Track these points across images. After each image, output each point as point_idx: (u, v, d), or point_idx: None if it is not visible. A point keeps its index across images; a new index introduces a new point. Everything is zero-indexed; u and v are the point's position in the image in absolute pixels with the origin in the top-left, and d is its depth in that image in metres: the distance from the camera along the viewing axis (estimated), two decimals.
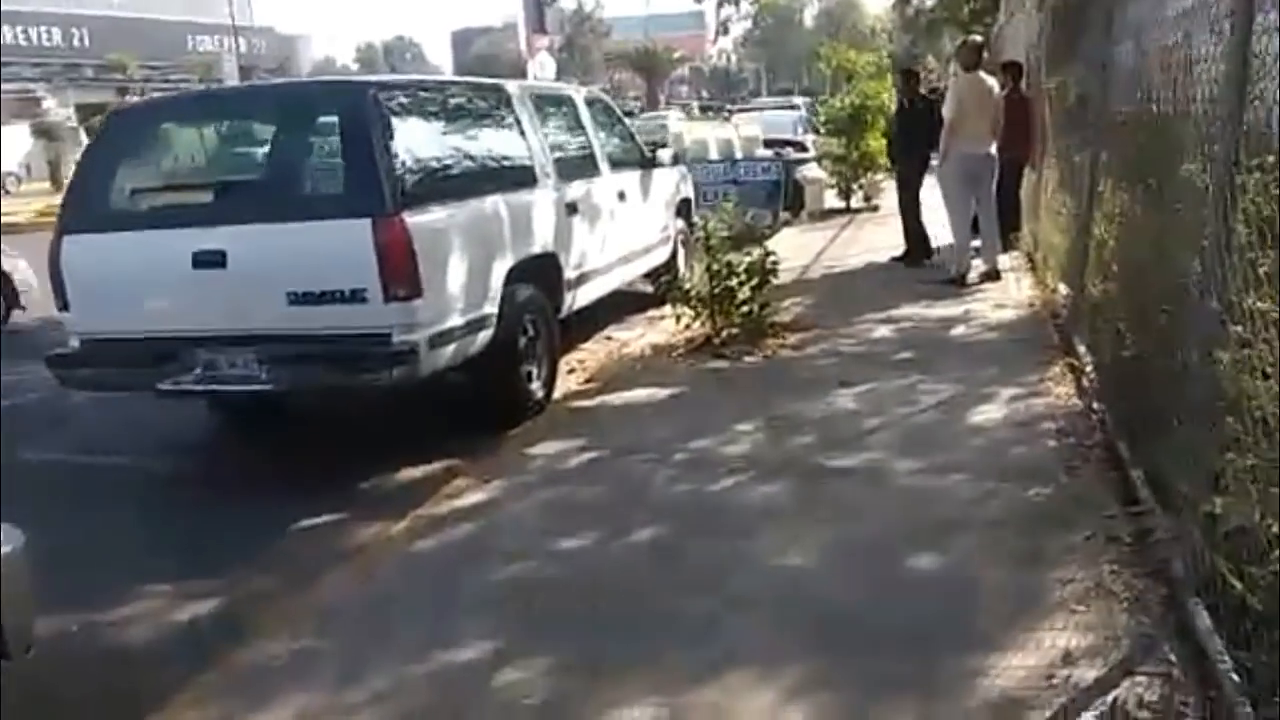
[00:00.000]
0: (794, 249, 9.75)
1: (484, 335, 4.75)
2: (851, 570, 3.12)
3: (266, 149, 4.73)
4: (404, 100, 4.57)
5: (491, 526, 3.66)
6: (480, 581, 3.23)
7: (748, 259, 6.15)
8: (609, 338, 6.96)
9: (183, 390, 4.41)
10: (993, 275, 7.51)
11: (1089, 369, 4.72)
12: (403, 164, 4.31)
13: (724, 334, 6.10)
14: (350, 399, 5.30)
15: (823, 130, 13.38)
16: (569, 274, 5.73)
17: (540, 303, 5.30)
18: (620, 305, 7.30)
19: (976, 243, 7.67)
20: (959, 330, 6.08)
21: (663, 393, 5.19)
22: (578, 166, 6.19)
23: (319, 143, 4.41)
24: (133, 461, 4.93)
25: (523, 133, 5.52)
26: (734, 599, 2.98)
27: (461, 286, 4.52)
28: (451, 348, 4.45)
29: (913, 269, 8.20)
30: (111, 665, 3.11)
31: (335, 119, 4.28)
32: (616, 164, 6.78)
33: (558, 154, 5.90)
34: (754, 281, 6.07)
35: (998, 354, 5.47)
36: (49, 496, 4.10)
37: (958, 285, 7.34)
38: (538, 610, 3.01)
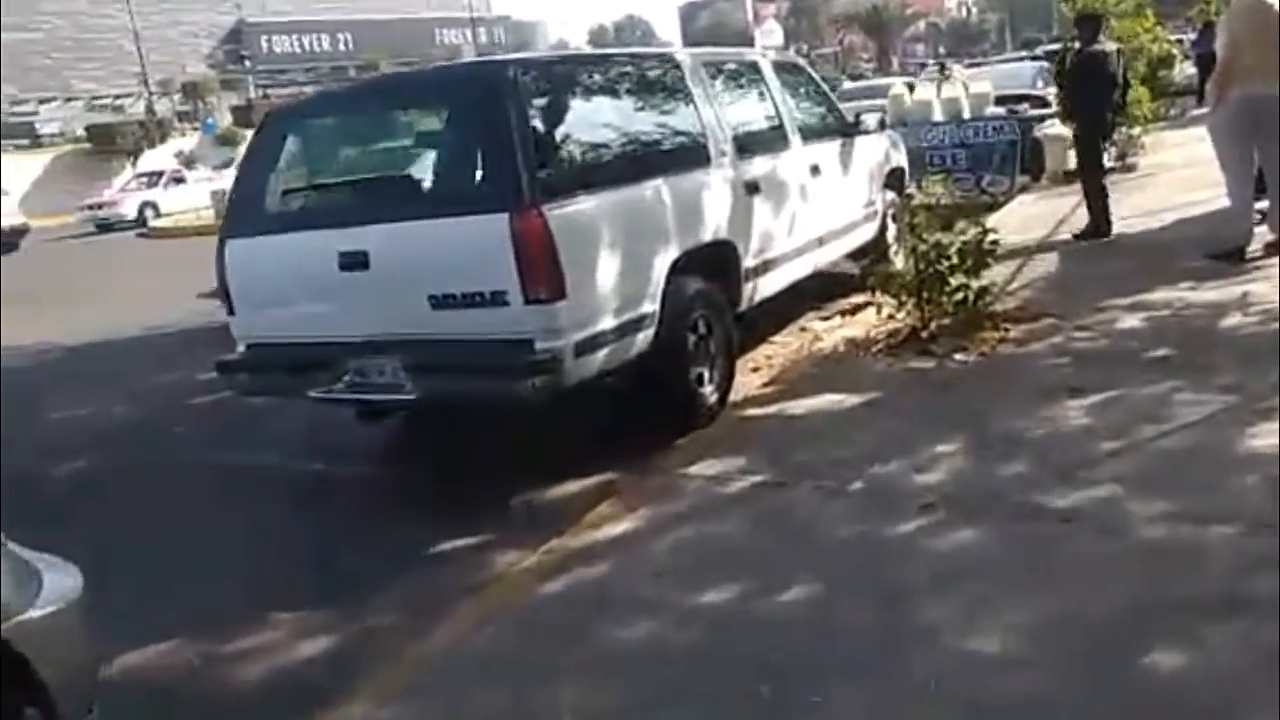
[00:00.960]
0: (1029, 219, 8.63)
1: (643, 337, 4.27)
2: (1066, 664, 2.37)
3: (407, 141, 4.46)
4: (550, 80, 4.14)
5: (629, 568, 3.18)
6: (601, 642, 2.76)
7: (960, 238, 5.27)
8: (803, 328, 6.29)
9: (333, 399, 4.24)
10: None
11: None
12: (545, 150, 3.89)
13: (933, 326, 5.27)
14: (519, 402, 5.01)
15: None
16: (749, 262, 5.13)
17: (713, 297, 4.74)
18: (820, 290, 6.60)
19: (1262, 205, 6.29)
20: (1233, 320, 4.91)
21: (853, 399, 4.49)
22: (762, 140, 5.55)
23: (458, 131, 4.08)
24: (285, 464, 4.86)
25: (695, 107, 4.96)
26: (902, 692, 2.34)
27: (614, 284, 4.05)
28: (603, 353, 4.00)
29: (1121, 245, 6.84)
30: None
31: (472, 104, 3.92)
32: (810, 135, 6.07)
33: (737, 128, 5.29)
34: (968, 265, 5.20)
35: None
36: (182, 499, 4.07)
37: (1235, 260, 6.03)
38: (658, 686, 2.50)
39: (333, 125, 4.53)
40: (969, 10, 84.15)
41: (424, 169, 4.26)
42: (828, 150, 6.23)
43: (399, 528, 3.97)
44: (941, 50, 69.74)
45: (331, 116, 4.58)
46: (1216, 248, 6.24)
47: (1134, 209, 8.39)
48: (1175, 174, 10.05)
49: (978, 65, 18.37)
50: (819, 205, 5.95)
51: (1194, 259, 6.19)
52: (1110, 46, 8.03)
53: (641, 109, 4.72)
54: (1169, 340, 4.69)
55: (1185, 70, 18.41)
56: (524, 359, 3.75)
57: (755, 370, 5.55)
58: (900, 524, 3.18)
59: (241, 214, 4.47)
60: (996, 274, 5.81)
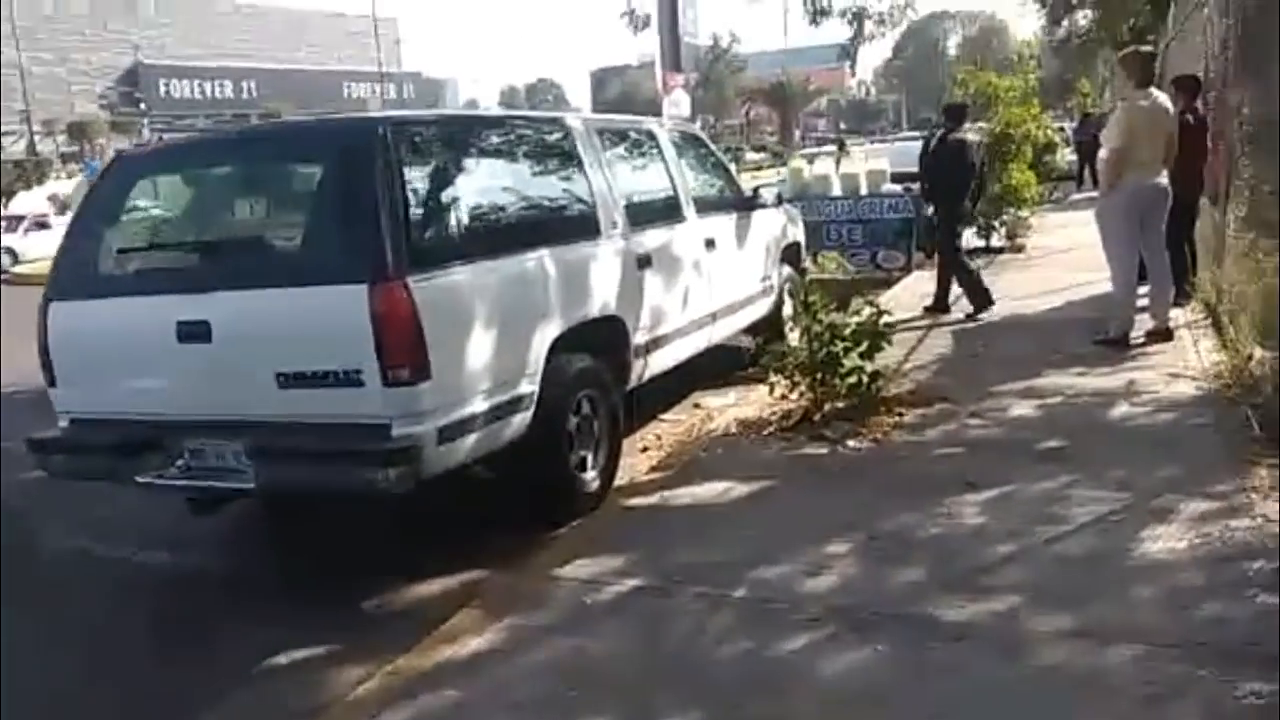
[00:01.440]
0: (923, 296, 8.61)
1: (519, 420, 3.93)
2: None
3: (261, 199, 4.07)
4: (428, 141, 3.84)
5: (484, 695, 2.79)
6: None
7: (855, 319, 5.13)
8: (697, 405, 6.04)
9: (164, 484, 3.76)
10: (1163, 334, 6.19)
11: None
12: (415, 217, 3.56)
13: (826, 408, 5.09)
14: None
15: None
16: (639, 338, 4.87)
17: (598, 376, 4.45)
18: (714, 365, 6.38)
19: (1144, 291, 6.38)
20: (1121, 410, 4.86)
21: (741, 489, 4.23)
22: (656, 212, 5.34)
23: (320, 192, 3.72)
24: (107, 553, 4.32)
25: (585, 175, 4.71)
26: None
27: (488, 363, 3.72)
28: (471, 439, 3.65)
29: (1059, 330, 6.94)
30: None
31: (337, 163, 3.58)
32: (706, 207, 5.89)
33: (630, 198, 5.06)
34: (862, 346, 5.05)
35: (1175, 446, 4.26)
36: None
37: (1120, 347, 6.07)
38: None
39: (186, 177, 4.10)
40: (868, 89, 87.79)
41: (280, 232, 3.88)
42: (724, 223, 6.07)
43: (233, 635, 3.50)
44: (842, 126, 72.44)
45: (187, 167, 4.14)
46: (1103, 332, 6.29)
47: (1026, 289, 8.51)
48: (1061, 256, 10.31)
49: (881, 142, 18.84)
50: (714, 280, 5.76)
51: (1082, 343, 6.22)
52: (971, 136, 8.33)
53: (528, 175, 4.45)
54: (1061, 430, 4.59)
55: (1067, 156, 19.36)
56: (379, 446, 3.37)
57: (645, 450, 5.27)
58: (785, 641, 2.89)
59: (70, 273, 3.99)
60: (890, 355, 5.71)
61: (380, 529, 4.41)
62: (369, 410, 3.42)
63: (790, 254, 7.26)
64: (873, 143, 18.25)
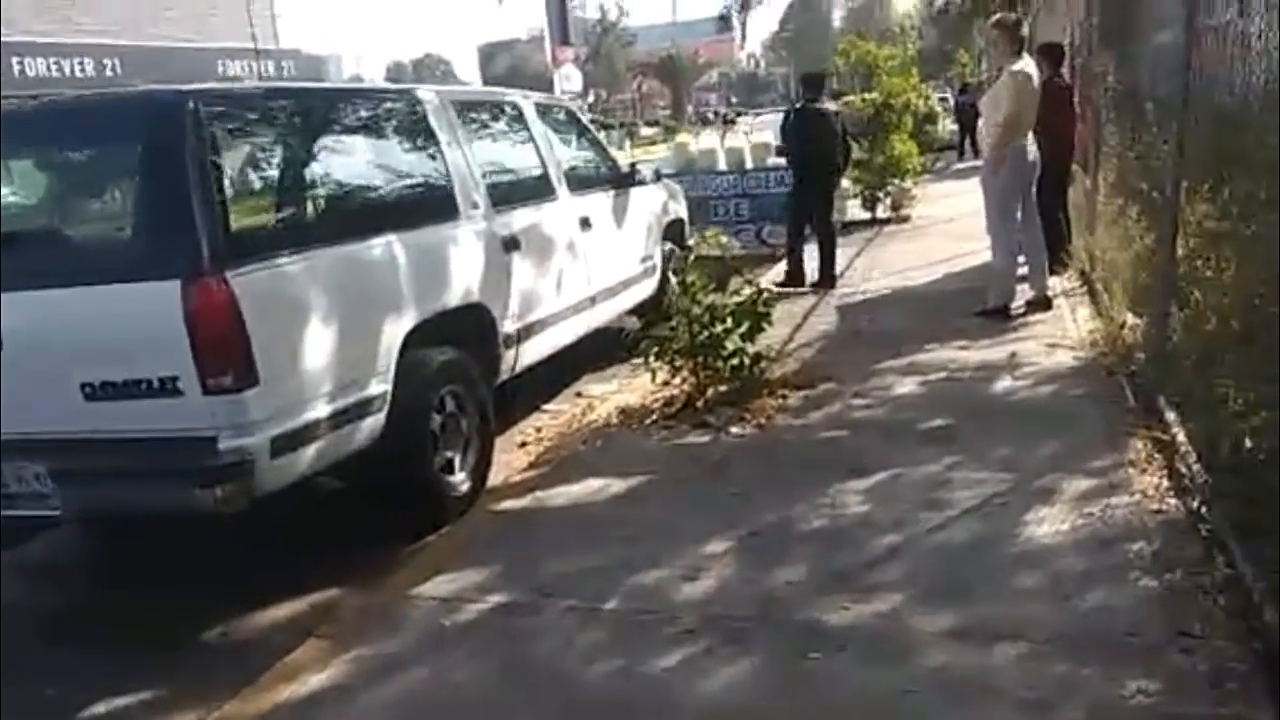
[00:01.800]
0: (808, 270, 8.52)
1: (370, 423, 3.59)
2: None
3: (61, 183, 3.59)
4: (251, 115, 3.43)
5: None
6: None
7: (734, 299, 4.93)
8: (579, 394, 5.78)
9: None
10: (1042, 303, 6.21)
11: (1186, 449, 3.46)
12: (235, 202, 3.17)
13: (709, 393, 4.89)
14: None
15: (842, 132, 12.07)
16: (508, 327, 4.57)
17: (463, 369, 4.14)
18: (600, 348, 6.11)
19: (1022, 261, 6.38)
20: (1004, 384, 4.80)
21: (619, 485, 3.99)
22: (523, 191, 5.03)
23: (121, 176, 3.28)
24: None
25: (441, 152, 4.35)
26: None
27: (328, 362, 3.36)
28: (313, 449, 3.30)
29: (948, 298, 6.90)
30: None
31: (139, 142, 3.14)
32: (580, 184, 5.61)
33: (493, 177, 4.73)
34: (744, 328, 4.85)
35: (1056, 420, 4.20)
36: None
37: (1001, 317, 6.06)
38: None
39: None
40: (757, 62, 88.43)
41: (82, 222, 3.42)
42: (600, 201, 5.79)
43: (41, 675, 3.09)
44: (732, 99, 72.73)
45: None
46: (984, 303, 6.27)
47: (908, 260, 8.50)
48: (945, 225, 10.38)
49: (758, 115, 18.76)
50: (591, 261, 5.49)
51: (965, 315, 6.18)
52: (830, 106, 8.29)
53: (374, 154, 4.06)
54: (945, 407, 4.49)
55: (948, 126, 19.71)
56: (204, 463, 2.99)
57: (523, 445, 4.98)
58: (658, 657, 2.66)
59: None
60: (775, 334, 5.55)
61: (228, 546, 3.99)
62: (191, 423, 3.04)
63: (673, 232, 7.03)
64: (756, 115, 18.14)
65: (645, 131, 48.12)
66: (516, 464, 4.67)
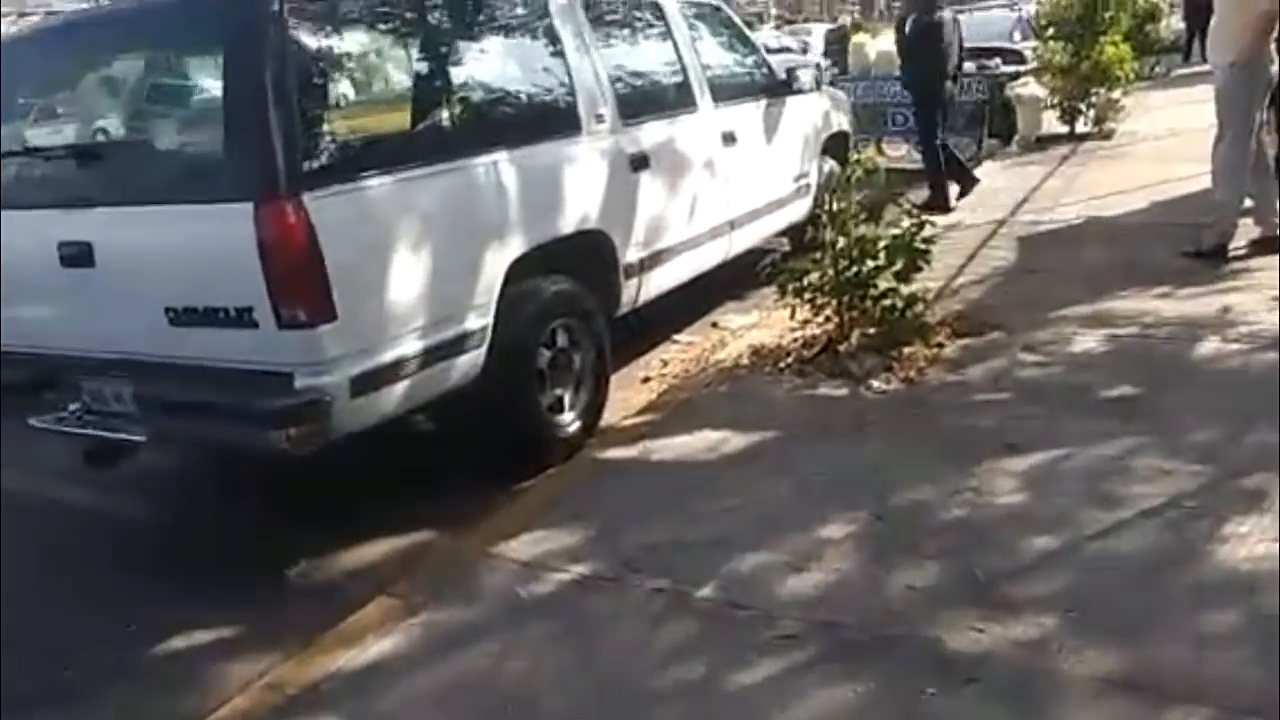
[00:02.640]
0: (991, 193, 7.69)
1: (468, 360, 3.32)
2: None
3: (146, 91, 3.40)
4: (336, 13, 3.09)
5: None
6: None
7: (892, 232, 4.33)
8: (715, 324, 5.36)
9: (59, 430, 3.26)
10: (1271, 244, 5.23)
11: None
12: (318, 115, 2.88)
13: (854, 337, 4.37)
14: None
15: (1045, 35, 10.76)
16: (631, 256, 4.18)
17: (577, 301, 3.80)
18: (744, 273, 5.62)
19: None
20: (1210, 346, 4.02)
21: (737, 441, 3.58)
22: (658, 101, 4.56)
23: (201, 83, 3.05)
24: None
25: (562, 58, 3.93)
26: None
27: (418, 296, 3.08)
28: (399, 389, 3.05)
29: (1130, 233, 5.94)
30: None
31: (216, 45, 2.87)
32: (726, 93, 5.06)
33: (623, 85, 4.28)
34: (898, 265, 4.27)
35: (1275, 400, 3.45)
36: None
37: (1217, 261, 5.15)
38: None
39: (61, 65, 3.43)
40: None
41: (166, 134, 3.24)
42: (748, 113, 5.24)
43: (116, 602, 3.04)
44: None
45: (60, 54, 3.46)
46: (1195, 242, 5.35)
47: (1108, 185, 7.47)
48: (1156, 144, 9.13)
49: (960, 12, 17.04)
50: (734, 181, 4.98)
51: (1169, 255, 5.31)
52: (947, 14, 7.57)
53: (483, 59, 3.67)
54: (1132, 372, 3.80)
55: (1173, 25, 17.36)
56: (277, 401, 2.79)
57: (646, 381, 4.64)
58: (749, 667, 2.29)
59: None
60: (941, 266, 4.94)
61: (333, 477, 3.85)
62: (267, 357, 2.84)
63: (835, 146, 6.37)
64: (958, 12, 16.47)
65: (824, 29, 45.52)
66: (635, 402, 4.34)
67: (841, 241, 4.30)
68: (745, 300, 5.67)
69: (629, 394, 4.48)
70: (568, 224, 3.75)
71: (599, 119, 4.03)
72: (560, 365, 3.76)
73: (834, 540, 2.81)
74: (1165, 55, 16.21)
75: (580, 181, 3.84)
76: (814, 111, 6.00)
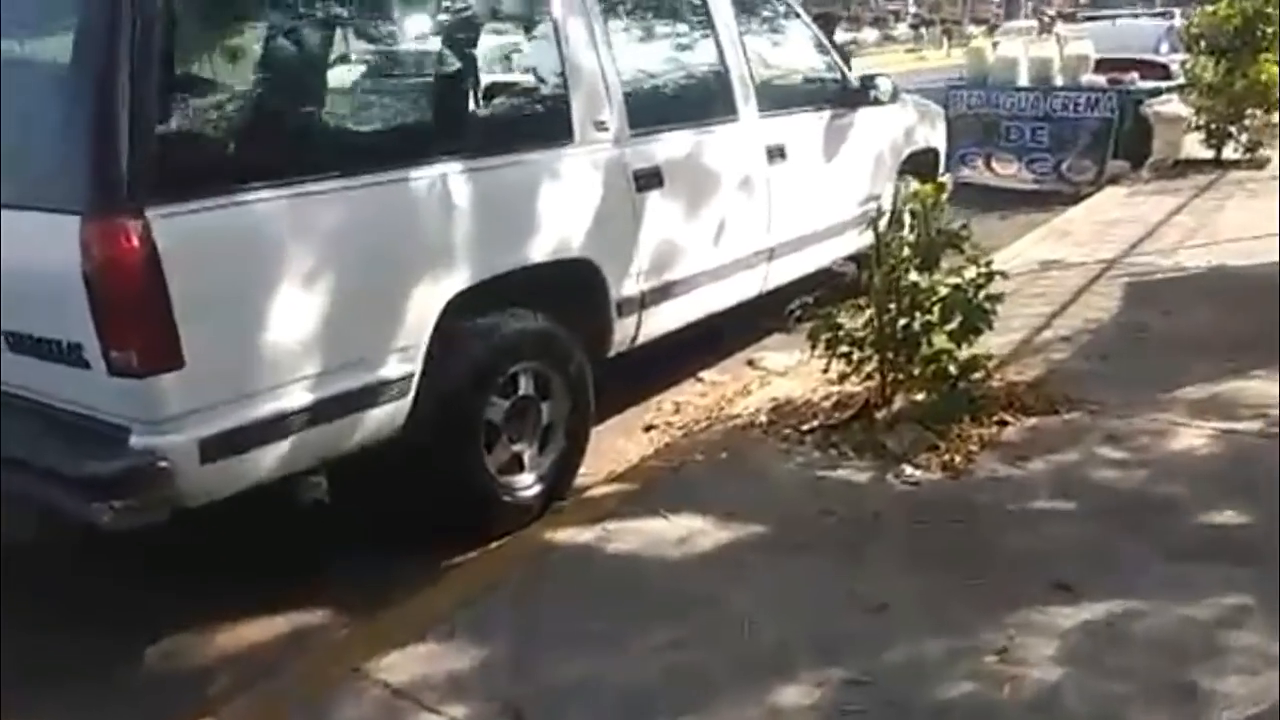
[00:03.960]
0: (1107, 225, 6.71)
1: (383, 414, 2.73)
2: None
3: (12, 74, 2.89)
4: None
5: None
6: None
7: (952, 281, 3.53)
8: (751, 361, 4.64)
9: None
10: None
11: None
12: (187, 110, 2.31)
13: (896, 402, 3.60)
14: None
15: (1195, 48, 9.51)
16: (629, 289, 3.51)
17: (549, 342, 3.17)
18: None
19: None
20: None
21: (718, 536, 2.87)
22: (684, 107, 3.87)
23: (52, 62, 2.51)
24: None
25: (555, 46, 3.27)
26: None
27: (310, 339, 2.49)
28: (279, 449, 2.47)
29: None
30: None
31: (70, 15, 2.34)
32: (779, 101, 4.33)
33: (640, 86, 3.61)
34: (954, 323, 3.47)
35: None
36: None
37: None
38: None
39: None
40: None
41: (24, 118, 2.73)
42: (805, 125, 4.49)
43: None
44: (1083, 0, 63.89)
45: None
46: None
47: (1250, 226, 6.38)
48: None
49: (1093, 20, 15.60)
50: (778, 204, 4.25)
51: None
52: None
53: (428, 44, 3.01)
54: (1244, 490, 2.92)
55: None
56: (99, 465, 2.25)
57: (648, 430, 3.98)
58: None
59: None
60: (1021, 316, 4.11)
61: (220, 532, 3.18)
62: (100, 406, 2.31)
63: (920, 165, 5.53)
64: (1088, 20, 14.97)
65: (971, 30, 43.66)
66: (628, 454, 3.70)
67: (893, 287, 3.52)
68: (794, 334, 4.91)
69: (626, 442, 3.84)
70: (539, 251, 3.11)
71: (599, 126, 3.37)
72: (521, 417, 3.14)
73: (786, 714, 2.09)
74: None
75: (562, 201, 3.19)
76: (892, 125, 5.18)
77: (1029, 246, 6.15)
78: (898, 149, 5.24)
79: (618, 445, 3.82)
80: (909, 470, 3.19)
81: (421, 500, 2.90)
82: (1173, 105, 9.09)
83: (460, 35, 3.01)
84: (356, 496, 3.10)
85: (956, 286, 3.50)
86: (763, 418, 3.75)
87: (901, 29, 54.50)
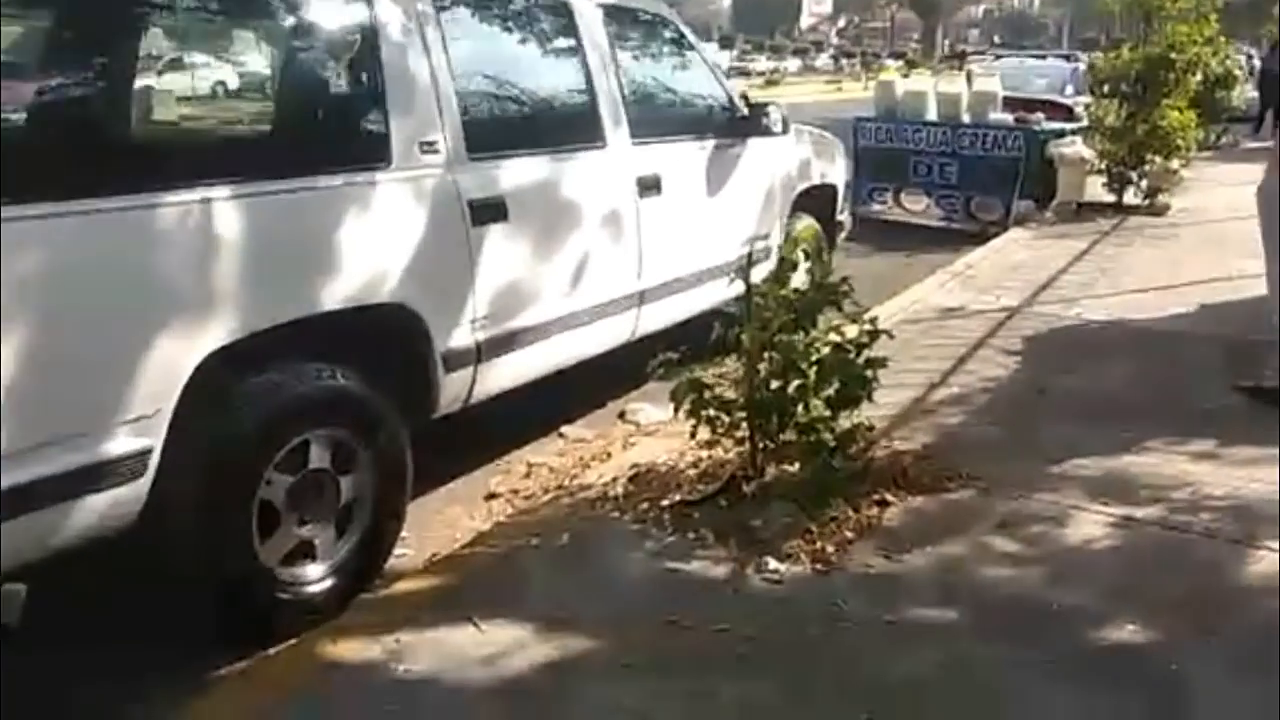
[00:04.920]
0: (1008, 269, 6.45)
1: (109, 500, 2.17)
2: None
3: None
4: None
5: None
6: None
7: (828, 341, 3.11)
8: (623, 414, 4.17)
9: None
10: None
11: None
12: None
13: (766, 472, 3.16)
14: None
15: (1098, 91, 9.45)
16: (459, 339, 3.00)
17: (349, 404, 2.63)
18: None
19: None
20: (1270, 562, 2.75)
21: (533, 653, 2.37)
22: (538, 130, 3.40)
23: None
24: None
25: (369, 55, 2.75)
26: None
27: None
28: None
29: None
30: None
31: None
32: (654, 128, 3.89)
33: (482, 106, 3.13)
34: (832, 389, 3.05)
35: None
36: None
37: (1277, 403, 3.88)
38: None
39: None
40: (1031, 1, 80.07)
41: None
42: (684, 155, 4.06)
43: None
44: (996, 39, 65.81)
45: None
46: (1254, 374, 4.09)
47: (1151, 274, 6.21)
48: (1214, 226, 7.80)
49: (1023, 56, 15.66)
50: (650, 241, 3.80)
51: (1218, 386, 4.05)
52: None
53: (190, 47, 2.50)
54: (1146, 596, 2.55)
55: (1246, 92, 15.90)
56: None
57: (491, 498, 3.47)
58: None
59: None
60: (915, 372, 3.75)
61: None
62: None
63: (816, 202, 5.16)
64: (996, 59, 15.04)
65: (889, 62, 44.49)
66: (460, 528, 3.20)
67: (766, 345, 3.09)
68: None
69: (462, 513, 3.32)
70: (335, 296, 2.58)
71: (426, 148, 2.87)
72: (312, 495, 2.59)
73: None
74: (1235, 124, 14.79)
75: (371, 235, 2.67)
76: (784, 158, 4.78)
77: (931, 291, 5.84)
78: (790, 184, 4.85)
79: (451, 516, 3.30)
80: (772, 564, 2.74)
81: (179, 599, 2.34)
82: (1076, 147, 8.99)
83: (234, 33, 2.47)
84: (101, 594, 2.51)
85: (836, 346, 3.09)
86: (619, 489, 3.27)
87: (823, 59, 55.50)
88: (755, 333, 3.10)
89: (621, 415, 4.18)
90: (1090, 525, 2.95)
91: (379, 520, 2.76)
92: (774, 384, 3.09)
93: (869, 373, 2.98)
